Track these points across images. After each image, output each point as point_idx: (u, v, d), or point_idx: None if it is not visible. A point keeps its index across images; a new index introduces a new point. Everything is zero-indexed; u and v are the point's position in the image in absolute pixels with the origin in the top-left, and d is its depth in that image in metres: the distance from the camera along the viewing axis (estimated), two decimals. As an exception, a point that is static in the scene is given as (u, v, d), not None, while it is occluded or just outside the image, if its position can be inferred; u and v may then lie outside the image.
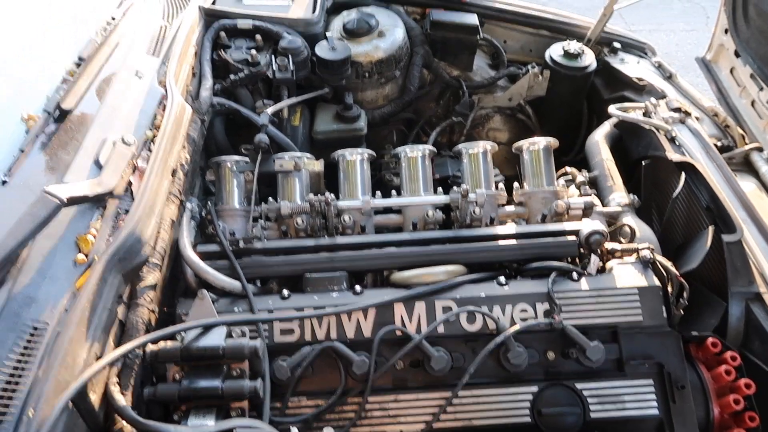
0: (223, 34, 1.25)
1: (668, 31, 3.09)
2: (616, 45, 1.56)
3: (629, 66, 1.53)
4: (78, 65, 0.95)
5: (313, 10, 1.37)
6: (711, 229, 0.97)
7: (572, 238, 0.94)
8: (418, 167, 1.02)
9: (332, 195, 0.95)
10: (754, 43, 1.42)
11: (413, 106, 1.52)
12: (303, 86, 1.32)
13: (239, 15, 1.29)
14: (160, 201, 0.83)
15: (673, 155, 1.15)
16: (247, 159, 1.03)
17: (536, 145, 1.05)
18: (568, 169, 1.15)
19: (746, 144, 1.32)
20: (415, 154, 1.02)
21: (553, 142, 1.05)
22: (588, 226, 0.93)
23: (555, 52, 1.49)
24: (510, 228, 0.97)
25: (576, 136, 1.54)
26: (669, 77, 1.50)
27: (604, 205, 1.10)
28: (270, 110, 1.14)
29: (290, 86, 1.25)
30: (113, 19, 1.08)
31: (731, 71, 1.50)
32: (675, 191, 1.11)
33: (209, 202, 0.96)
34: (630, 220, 1.03)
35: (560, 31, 1.59)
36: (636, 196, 1.10)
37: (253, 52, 1.22)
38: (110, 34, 1.05)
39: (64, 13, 1.09)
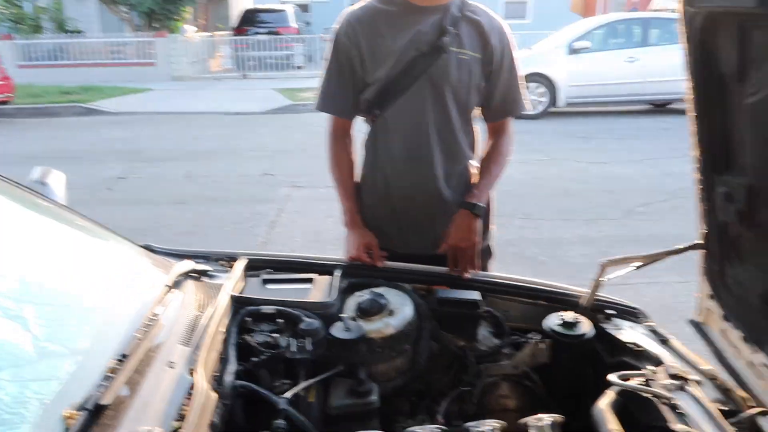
0: (249, 318, 1.40)
1: (663, 283, 3.28)
2: (609, 312, 1.69)
3: (624, 332, 1.63)
4: (120, 361, 1.06)
5: (330, 293, 1.54)
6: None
7: None
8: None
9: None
10: (738, 309, 1.53)
11: (424, 378, 1.60)
12: (319, 362, 1.43)
13: (264, 301, 1.46)
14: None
15: (675, 426, 1.18)
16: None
17: (542, 421, 1.09)
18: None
19: (750, 406, 1.35)
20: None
21: (559, 418, 1.10)
22: None
23: (552, 322, 1.61)
24: None
25: (583, 402, 1.57)
26: (664, 341, 1.59)
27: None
28: (289, 394, 1.22)
29: (308, 366, 1.35)
30: (156, 315, 1.23)
31: (723, 333, 1.59)
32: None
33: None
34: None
35: (556, 300, 1.73)
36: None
37: (275, 335, 1.36)
38: (151, 329, 1.19)
39: (113, 309, 1.25)
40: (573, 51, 9.24)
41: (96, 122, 9.74)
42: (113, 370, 1.03)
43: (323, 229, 4.44)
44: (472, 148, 1.70)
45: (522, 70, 1.72)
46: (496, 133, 1.73)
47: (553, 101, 9.18)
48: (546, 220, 4.67)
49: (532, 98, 9.04)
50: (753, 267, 1.44)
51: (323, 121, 1.76)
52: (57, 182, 1.72)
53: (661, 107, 9.80)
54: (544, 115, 9.00)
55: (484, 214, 1.70)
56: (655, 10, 18.38)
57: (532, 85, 8.85)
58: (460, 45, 1.56)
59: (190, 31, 16.37)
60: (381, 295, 1.56)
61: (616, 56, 9.42)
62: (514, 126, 1.75)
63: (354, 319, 1.50)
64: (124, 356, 1.07)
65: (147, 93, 12.68)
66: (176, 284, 1.40)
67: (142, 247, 1.61)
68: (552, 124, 8.60)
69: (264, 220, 4.77)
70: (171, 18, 15.41)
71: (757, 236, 1.38)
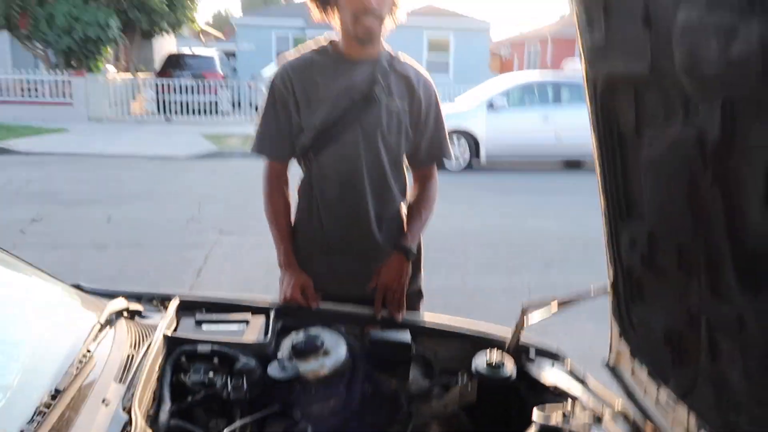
0: (183, 358, 1.40)
1: (580, 331, 3.47)
2: (531, 353, 1.80)
3: (545, 372, 1.74)
4: (53, 397, 1.04)
5: (265, 334, 1.56)
6: None
7: None
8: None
9: None
10: (643, 346, 1.68)
11: (357, 418, 1.63)
12: (254, 401, 1.43)
13: (199, 341, 1.46)
14: None
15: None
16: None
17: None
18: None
19: (659, 440, 1.47)
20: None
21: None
22: None
23: (479, 362, 1.69)
24: None
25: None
26: (582, 381, 1.71)
27: None
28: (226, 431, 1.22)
29: (243, 405, 1.36)
30: (89, 351, 1.22)
31: (632, 372, 1.73)
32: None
33: None
34: None
35: (483, 342, 1.82)
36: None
37: (210, 374, 1.36)
38: (85, 365, 1.17)
39: (44, 345, 1.23)
40: (492, 108, 9.76)
41: (6, 162, 9.25)
42: (47, 405, 1.02)
43: (252, 277, 4.40)
44: (403, 192, 1.80)
45: (447, 125, 1.86)
46: (423, 179, 1.84)
47: (475, 156, 9.61)
48: (470, 270, 4.83)
49: (454, 153, 9.45)
50: (654, 306, 1.59)
51: (251, 168, 1.81)
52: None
53: (575, 165, 10.44)
54: (467, 169, 9.38)
55: (416, 258, 1.79)
56: (568, 71, 19.79)
57: (455, 139, 9.26)
58: (389, 95, 1.67)
59: (111, 71, 16.02)
60: (316, 336, 1.59)
61: (532, 114, 10.03)
62: (437, 173, 1.87)
63: (289, 359, 1.52)
64: (58, 392, 1.06)
65: (63, 133, 12.19)
66: (109, 322, 1.38)
67: (71, 285, 1.58)
68: (474, 178, 8.96)
69: (190, 266, 4.67)
70: (91, 57, 15.02)
71: (657, 278, 1.53)
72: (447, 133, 1.84)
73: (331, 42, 1.72)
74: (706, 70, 1.10)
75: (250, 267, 4.64)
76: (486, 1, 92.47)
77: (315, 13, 1.68)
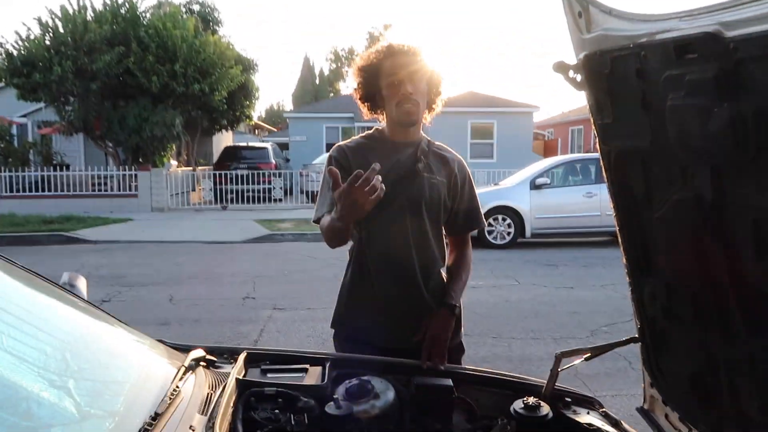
0: (253, 398, 1.61)
1: (629, 396, 3.49)
2: (567, 399, 1.92)
3: (581, 416, 1.85)
4: (153, 418, 1.27)
5: (323, 379, 1.77)
6: None
7: None
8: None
9: None
10: (673, 393, 1.79)
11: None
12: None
13: (266, 383, 1.68)
14: None
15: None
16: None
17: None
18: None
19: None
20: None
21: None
22: None
23: (518, 405, 1.83)
24: None
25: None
26: (616, 424, 1.82)
27: None
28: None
29: (305, 438, 1.54)
30: (177, 387, 1.45)
31: (666, 417, 1.83)
32: None
33: None
34: None
35: (521, 389, 1.96)
36: None
37: (276, 411, 1.56)
38: (175, 398, 1.40)
39: (142, 382, 1.47)
40: (535, 186, 9.99)
41: (77, 250, 9.93)
42: (149, 424, 1.24)
43: (304, 347, 4.59)
44: (442, 257, 2.02)
45: (492, 203, 2.09)
46: (460, 244, 2.06)
47: (520, 232, 9.76)
48: (516, 339, 4.90)
49: (500, 229, 9.64)
50: (679, 354, 1.72)
51: (301, 248, 2.05)
52: (82, 285, 1.98)
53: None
54: (513, 244, 9.52)
55: (458, 314, 1.98)
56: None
57: (500, 217, 9.51)
58: (430, 171, 1.93)
59: (173, 165, 17.14)
60: (367, 381, 1.78)
61: (575, 191, 10.21)
62: (470, 241, 2.09)
63: (344, 400, 1.71)
64: (157, 414, 1.28)
65: (128, 223, 13.01)
66: (191, 367, 1.61)
67: (156, 340, 1.83)
68: (520, 253, 9.06)
69: (247, 339, 4.91)
70: (157, 154, 16.17)
71: (678, 327, 1.67)
72: (480, 205, 2.08)
73: (377, 130, 2.02)
74: (694, 143, 1.32)
75: (303, 339, 4.85)
76: (528, 85, 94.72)
77: (365, 112, 2.00)
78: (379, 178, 1.56)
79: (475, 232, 2.10)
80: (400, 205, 1.88)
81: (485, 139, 22.39)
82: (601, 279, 7.18)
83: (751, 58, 1.15)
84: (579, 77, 1.64)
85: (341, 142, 2.03)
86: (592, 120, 1.70)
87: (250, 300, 6.28)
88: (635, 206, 1.68)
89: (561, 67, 1.63)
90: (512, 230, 9.65)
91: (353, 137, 2.07)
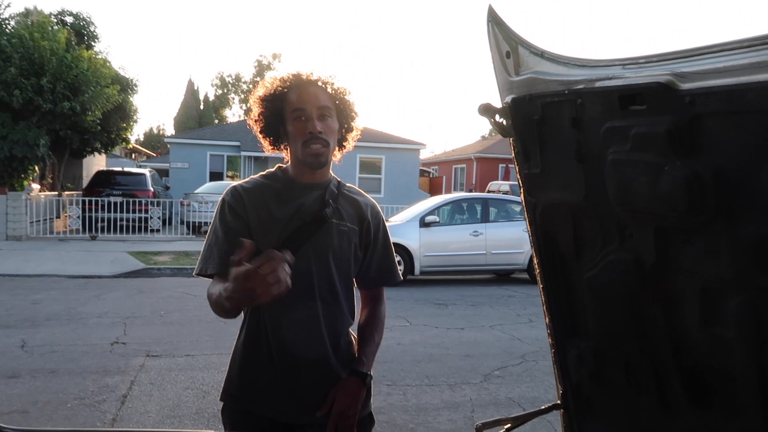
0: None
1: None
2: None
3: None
4: None
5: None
6: None
7: None
8: None
9: None
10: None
11: None
12: None
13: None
14: None
15: None
16: None
17: None
18: None
19: None
20: None
21: None
22: None
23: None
24: None
25: None
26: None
27: None
28: None
29: None
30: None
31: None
32: None
33: None
34: None
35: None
36: None
37: None
38: None
39: None
40: (424, 224, 10.08)
41: None
42: None
43: (182, 402, 4.12)
44: (352, 314, 1.78)
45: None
46: (373, 300, 1.84)
47: (410, 269, 9.75)
48: (411, 386, 4.73)
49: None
50: (605, 422, 1.60)
51: (180, 284, 1.74)
52: None
53: (505, 276, 10.75)
54: (402, 282, 9.45)
55: (369, 383, 1.74)
56: (491, 191, 20.90)
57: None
58: (339, 217, 1.70)
59: (34, 189, 15.54)
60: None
61: (462, 230, 10.42)
62: (385, 296, 1.88)
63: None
64: None
65: (-24, 253, 11.53)
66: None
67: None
68: (409, 291, 9.03)
69: (114, 394, 4.32)
70: (15, 176, 14.60)
71: (607, 393, 1.55)
72: (395, 257, 1.87)
73: (280, 168, 1.76)
74: (637, 202, 1.20)
75: (180, 392, 4.34)
76: (413, 121, 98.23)
77: (266, 146, 1.73)
78: (289, 270, 1.25)
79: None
80: (304, 256, 1.63)
81: (373, 173, 22.63)
82: (490, 319, 7.27)
83: (710, 113, 1.05)
84: (505, 122, 1.50)
85: (237, 183, 1.75)
86: (516, 168, 1.57)
87: (119, 346, 5.62)
88: (562, 264, 1.55)
89: (487, 111, 1.48)
90: (402, 267, 9.61)
91: (252, 177, 1.79)
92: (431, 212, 10.38)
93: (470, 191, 26.36)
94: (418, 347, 5.87)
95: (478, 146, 31.09)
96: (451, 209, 11.00)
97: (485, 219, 10.63)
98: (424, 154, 34.79)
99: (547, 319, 1.64)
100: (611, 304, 1.44)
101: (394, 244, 1.91)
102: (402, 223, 10.19)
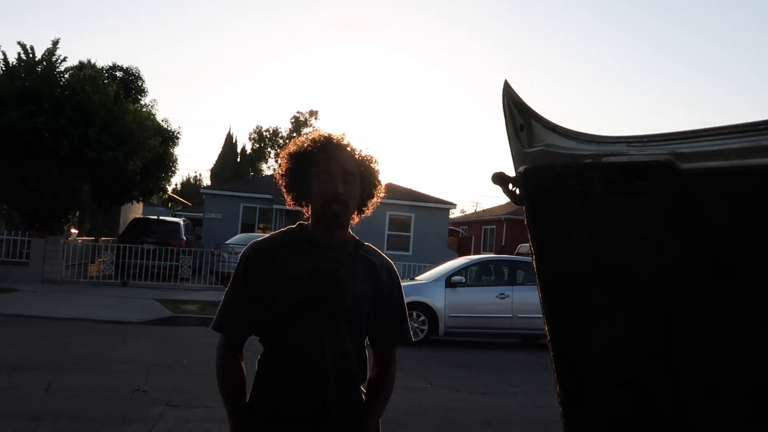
0: None
1: None
2: None
3: None
4: None
5: None
6: None
7: None
8: None
9: None
10: None
11: None
12: None
13: None
14: None
15: None
16: None
17: None
18: None
19: None
20: None
21: None
22: None
23: None
24: None
25: None
26: None
27: None
28: None
29: None
30: None
31: None
32: None
33: None
34: None
35: None
36: None
37: None
38: None
39: None
40: (451, 284, 10.01)
41: (-56, 322, 8.82)
42: None
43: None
44: (364, 374, 1.80)
45: (408, 298, 1.93)
46: (384, 360, 1.86)
47: (434, 330, 9.63)
48: (430, 449, 4.63)
49: (414, 326, 9.46)
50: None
51: (205, 335, 1.80)
52: None
53: (531, 341, 10.52)
54: (426, 342, 9.34)
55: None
56: (520, 254, 20.71)
57: (414, 313, 9.36)
58: (354, 278, 1.75)
59: (72, 234, 16.01)
60: None
61: (488, 292, 10.30)
62: (396, 355, 1.90)
63: None
64: None
65: (12, 294, 11.83)
66: None
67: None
68: (432, 352, 8.88)
69: (129, 442, 4.34)
70: (56, 220, 15.10)
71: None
72: (407, 317, 1.90)
73: (300, 225, 1.83)
74: (641, 275, 1.24)
75: (197, 444, 4.34)
76: (444, 180, 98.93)
77: (288, 200, 1.81)
78: None
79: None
80: (316, 317, 1.68)
81: (402, 231, 22.69)
82: (514, 385, 7.10)
83: (705, 193, 1.10)
84: (518, 191, 1.55)
85: (256, 240, 1.83)
86: (529, 235, 1.61)
87: (140, 393, 5.65)
88: (571, 333, 1.56)
89: (500, 179, 1.54)
90: (426, 327, 9.51)
91: (273, 233, 1.87)
92: (458, 272, 10.31)
93: (500, 252, 26.15)
94: (439, 410, 5.75)
95: (508, 208, 31.05)
96: (478, 270, 10.92)
97: (512, 281, 10.51)
98: (454, 214, 34.82)
99: (557, 388, 1.64)
100: (619, 375, 1.44)
101: (419, 303, 1.95)
102: (428, 282, 10.13)
